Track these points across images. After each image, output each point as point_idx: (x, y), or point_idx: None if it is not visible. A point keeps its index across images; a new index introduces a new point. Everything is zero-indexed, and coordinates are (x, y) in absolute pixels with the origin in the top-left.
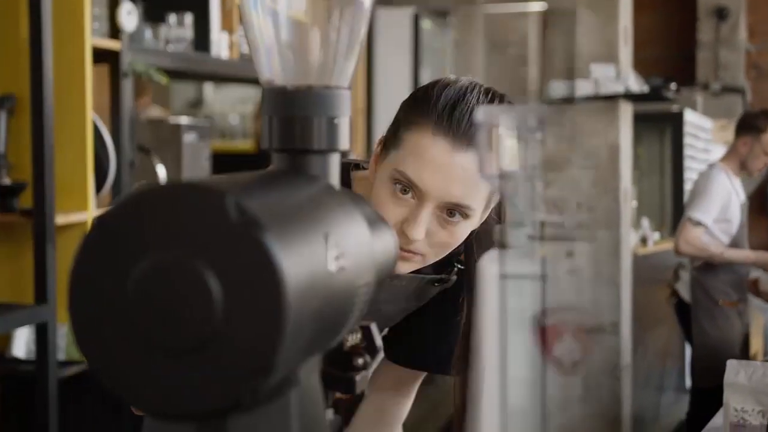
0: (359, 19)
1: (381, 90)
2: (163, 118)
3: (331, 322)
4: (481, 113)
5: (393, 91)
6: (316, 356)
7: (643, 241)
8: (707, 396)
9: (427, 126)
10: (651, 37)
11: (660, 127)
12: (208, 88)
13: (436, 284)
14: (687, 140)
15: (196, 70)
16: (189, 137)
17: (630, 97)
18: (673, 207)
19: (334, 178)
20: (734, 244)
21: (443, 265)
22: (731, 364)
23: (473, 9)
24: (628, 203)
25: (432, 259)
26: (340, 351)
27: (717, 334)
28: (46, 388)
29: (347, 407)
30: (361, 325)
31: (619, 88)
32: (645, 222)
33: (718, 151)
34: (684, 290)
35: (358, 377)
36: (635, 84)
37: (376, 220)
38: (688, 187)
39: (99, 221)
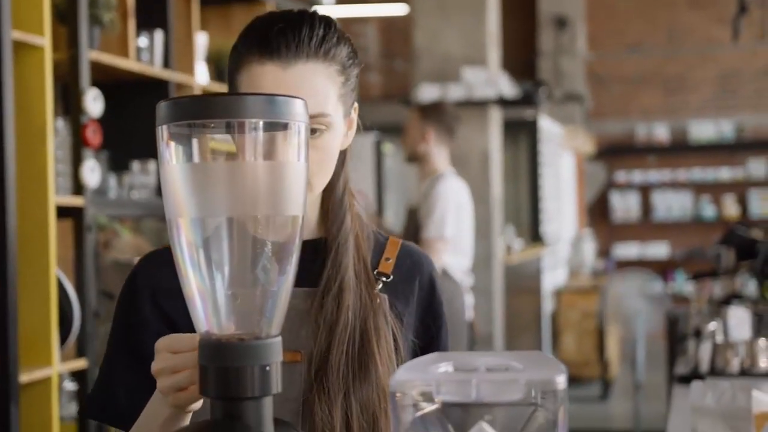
0: (287, 278)
1: None
2: (128, 260)
3: None
4: None
5: None
6: None
7: (508, 249)
8: None
9: (251, 57)
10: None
11: (514, 134)
12: None
13: None
14: (540, 147)
15: (159, 215)
16: None
17: (502, 102)
18: (530, 213)
19: (267, 421)
20: None
21: None
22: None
23: None
24: (499, 212)
25: (318, 184)
26: None
27: None
28: None
29: None
30: None
31: (490, 93)
32: (510, 229)
33: (568, 157)
34: None
35: None
36: (507, 88)
37: None
38: (544, 192)
39: None
